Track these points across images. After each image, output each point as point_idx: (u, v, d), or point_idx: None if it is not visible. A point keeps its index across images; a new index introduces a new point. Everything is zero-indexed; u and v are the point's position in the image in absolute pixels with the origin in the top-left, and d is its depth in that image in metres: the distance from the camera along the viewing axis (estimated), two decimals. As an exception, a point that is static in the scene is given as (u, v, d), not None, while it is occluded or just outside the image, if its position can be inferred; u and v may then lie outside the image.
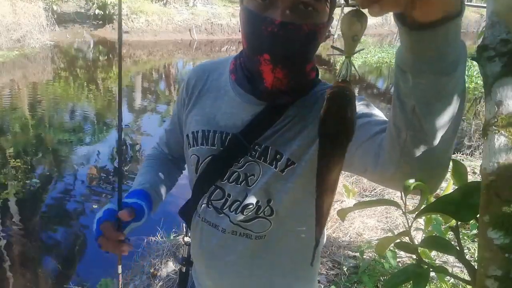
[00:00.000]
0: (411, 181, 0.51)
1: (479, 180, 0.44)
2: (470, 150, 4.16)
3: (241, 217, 0.77)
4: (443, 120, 0.46)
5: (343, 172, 0.67)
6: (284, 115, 0.73)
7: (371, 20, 13.85)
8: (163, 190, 0.90)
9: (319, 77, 0.80)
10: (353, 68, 0.43)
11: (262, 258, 0.81)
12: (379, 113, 0.69)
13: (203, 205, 0.82)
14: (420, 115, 0.46)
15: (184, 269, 0.98)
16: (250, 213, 0.76)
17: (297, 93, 0.73)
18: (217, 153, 0.76)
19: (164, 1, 14.38)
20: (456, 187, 0.51)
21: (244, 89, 0.75)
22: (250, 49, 0.69)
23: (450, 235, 1.86)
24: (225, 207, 0.78)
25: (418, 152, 0.49)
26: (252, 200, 0.75)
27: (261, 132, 0.73)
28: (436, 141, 0.47)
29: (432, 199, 0.55)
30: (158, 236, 2.61)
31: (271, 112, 0.73)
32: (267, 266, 0.82)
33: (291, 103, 0.73)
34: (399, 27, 0.42)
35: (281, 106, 0.73)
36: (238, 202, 0.76)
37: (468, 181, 0.51)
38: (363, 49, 0.47)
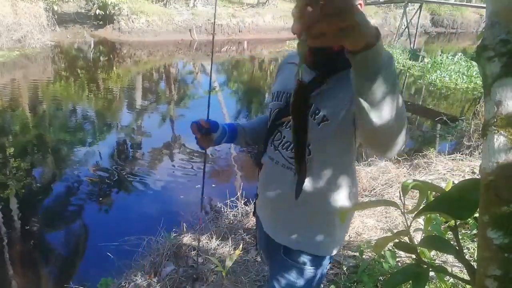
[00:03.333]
0: (409, 181, 0.52)
1: (475, 177, 0.44)
2: (469, 150, 4.15)
3: (290, 154, 1.03)
4: (376, 101, 0.67)
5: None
6: (326, 83, 0.97)
7: (372, 21, 13.82)
8: (253, 132, 1.26)
9: None
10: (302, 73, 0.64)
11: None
12: None
13: (268, 145, 1.11)
14: (361, 97, 0.69)
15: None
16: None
17: (332, 67, 0.96)
18: (282, 107, 1.05)
19: (165, 1, 14.38)
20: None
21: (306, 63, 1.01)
22: None
23: (449, 235, 1.86)
24: (279, 145, 1.06)
25: (369, 118, 0.70)
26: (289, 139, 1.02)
27: (310, 92, 0.96)
28: (375, 115, 0.69)
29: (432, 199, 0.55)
30: (158, 235, 2.61)
31: (317, 79, 0.98)
32: (303, 195, 1.01)
33: (332, 74, 0.96)
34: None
35: (324, 76, 0.97)
36: (289, 143, 1.03)
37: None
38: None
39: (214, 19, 1.69)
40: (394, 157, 3.78)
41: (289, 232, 1.09)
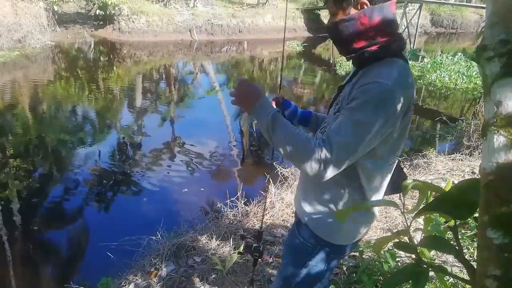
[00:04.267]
0: (409, 181, 0.52)
1: (475, 177, 0.44)
2: (469, 150, 4.15)
3: (322, 136, 1.10)
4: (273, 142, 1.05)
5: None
6: (354, 78, 1.07)
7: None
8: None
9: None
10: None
11: None
12: (349, 121, 0.97)
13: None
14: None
15: None
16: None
17: (357, 62, 1.08)
18: (335, 96, 1.19)
19: (165, 1, 14.37)
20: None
21: None
22: None
23: (449, 235, 1.86)
24: (320, 129, 1.20)
25: (280, 149, 1.03)
26: (325, 125, 1.17)
27: (345, 86, 1.11)
28: (281, 148, 1.03)
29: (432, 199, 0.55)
30: (158, 235, 2.61)
31: (352, 74, 1.13)
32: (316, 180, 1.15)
33: (360, 69, 1.06)
34: None
35: (355, 72, 1.09)
36: (324, 127, 1.16)
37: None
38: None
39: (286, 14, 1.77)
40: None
41: (303, 208, 1.20)
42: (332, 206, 1.13)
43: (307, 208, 1.19)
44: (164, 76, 10.34)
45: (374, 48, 1.01)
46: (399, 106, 0.96)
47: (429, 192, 0.63)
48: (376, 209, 1.21)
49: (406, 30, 13.41)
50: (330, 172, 0.95)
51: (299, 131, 1.02)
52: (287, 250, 1.31)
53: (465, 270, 0.49)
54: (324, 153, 0.93)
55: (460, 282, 1.73)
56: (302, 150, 0.96)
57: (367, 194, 1.10)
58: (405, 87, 0.98)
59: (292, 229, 1.30)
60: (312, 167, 0.95)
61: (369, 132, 0.94)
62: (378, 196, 1.13)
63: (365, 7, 1.00)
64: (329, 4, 1.05)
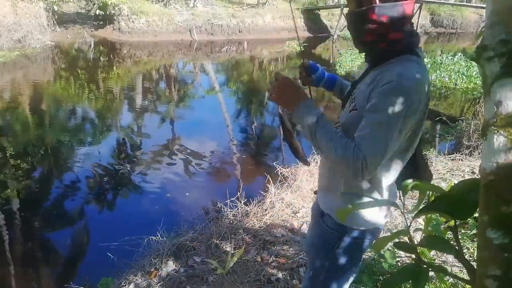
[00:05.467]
0: (409, 181, 0.52)
1: (475, 177, 0.44)
2: (469, 150, 4.15)
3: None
4: (307, 138, 1.10)
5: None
6: (366, 77, 1.11)
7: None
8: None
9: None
10: None
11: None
12: (380, 113, 0.99)
13: None
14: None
15: None
16: (339, 129, 1.17)
17: (369, 58, 1.12)
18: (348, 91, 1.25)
19: (165, 1, 14.37)
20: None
21: None
22: None
23: (449, 235, 1.86)
24: (334, 124, 1.22)
25: (320, 152, 1.10)
26: (340, 121, 1.20)
27: (358, 83, 1.15)
28: (322, 152, 1.08)
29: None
30: (158, 235, 2.61)
31: (367, 71, 1.14)
32: (332, 170, 1.23)
33: (374, 67, 1.10)
34: None
35: (368, 71, 1.13)
36: (337, 123, 1.20)
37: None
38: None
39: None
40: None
41: (324, 198, 1.27)
42: (345, 192, 1.17)
43: (327, 197, 1.25)
44: (164, 76, 10.34)
45: (383, 45, 1.04)
46: (418, 104, 1.00)
47: (430, 192, 0.63)
48: (387, 194, 1.18)
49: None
50: (368, 175, 1.00)
51: (339, 136, 1.03)
52: (313, 242, 1.33)
53: (465, 270, 0.49)
54: (359, 163, 0.97)
55: (460, 282, 1.73)
56: (342, 158, 1.00)
57: (382, 182, 1.13)
58: (422, 85, 1.00)
59: (315, 221, 1.35)
60: (351, 172, 0.99)
61: (393, 131, 0.98)
62: (390, 185, 1.16)
63: (375, 3, 1.02)
64: None
